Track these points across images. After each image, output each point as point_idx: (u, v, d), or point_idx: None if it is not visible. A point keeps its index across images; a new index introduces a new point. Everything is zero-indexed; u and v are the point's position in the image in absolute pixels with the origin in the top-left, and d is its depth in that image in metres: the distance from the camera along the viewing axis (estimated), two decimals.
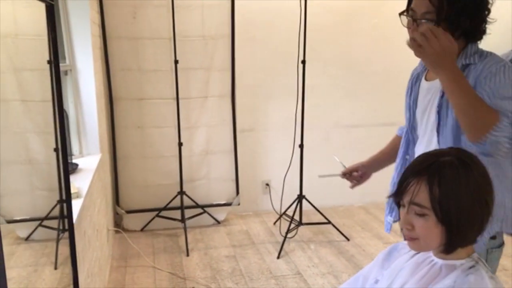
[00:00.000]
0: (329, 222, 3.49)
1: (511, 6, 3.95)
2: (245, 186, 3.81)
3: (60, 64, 2.54)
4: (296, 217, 3.40)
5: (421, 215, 0.95)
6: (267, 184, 3.89)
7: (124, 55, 3.37)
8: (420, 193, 0.94)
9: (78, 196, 1.90)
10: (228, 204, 3.74)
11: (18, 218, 2.03)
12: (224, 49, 3.51)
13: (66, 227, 1.64)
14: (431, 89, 1.39)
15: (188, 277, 2.90)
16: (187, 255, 3.18)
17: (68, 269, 1.67)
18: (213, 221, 3.70)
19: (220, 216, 3.76)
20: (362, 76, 3.83)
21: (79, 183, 2.09)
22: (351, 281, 1.23)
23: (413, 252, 1.09)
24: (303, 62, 3.25)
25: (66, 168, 1.47)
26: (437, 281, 0.99)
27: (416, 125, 1.50)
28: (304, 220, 3.43)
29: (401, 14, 1.34)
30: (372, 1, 3.69)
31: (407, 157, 1.54)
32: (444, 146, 1.31)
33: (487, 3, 1.29)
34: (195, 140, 3.58)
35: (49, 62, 1.55)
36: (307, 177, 3.39)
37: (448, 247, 0.96)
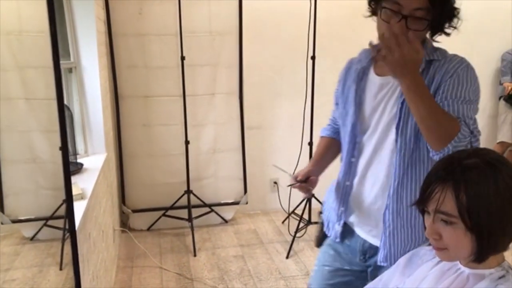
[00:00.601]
0: None
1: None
2: (253, 184, 3.75)
3: (65, 62, 2.51)
4: (305, 216, 3.34)
5: (449, 223, 0.88)
6: (275, 182, 3.83)
7: (130, 52, 3.32)
8: (446, 201, 0.87)
9: (82, 198, 1.85)
10: (236, 203, 3.69)
11: (23, 217, 2.00)
12: (232, 46, 3.45)
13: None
14: (385, 85, 1.30)
15: (196, 278, 2.85)
16: (194, 255, 3.13)
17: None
18: (220, 220, 3.65)
19: (228, 215, 3.70)
20: None
21: (84, 183, 2.04)
22: None
23: (437, 259, 1.02)
24: (313, 57, 3.19)
25: (67, 169, 1.41)
26: None
27: (361, 122, 1.36)
28: (313, 219, 3.37)
29: (384, 7, 1.20)
30: None
31: (353, 159, 1.39)
32: (403, 144, 1.27)
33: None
34: (202, 138, 3.52)
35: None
36: None
37: (479, 256, 0.90)
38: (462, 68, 1.22)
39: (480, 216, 0.86)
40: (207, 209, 3.53)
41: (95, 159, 2.55)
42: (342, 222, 1.45)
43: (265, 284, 2.78)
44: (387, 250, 1.33)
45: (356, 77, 1.38)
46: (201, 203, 3.48)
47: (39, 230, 1.99)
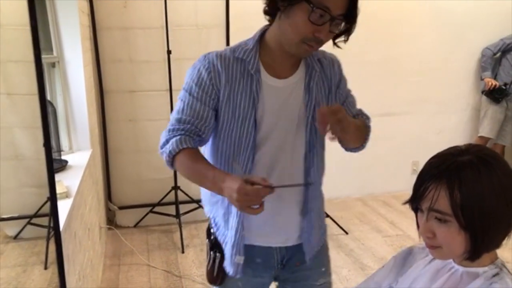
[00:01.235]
0: (327, 216, 3.42)
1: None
2: None
3: (48, 56, 2.45)
4: None
5: (443, 221, 0.87)
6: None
7: (115, 46, 3.25)
8: (440, 198, 0.86)
9: (67, 196, 1.80)
10: None
11: (6, 216, 1.96)
12: (219, 39, 3.40)
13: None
14: (287, 88, 1.25)
15: (184, 275, 2.82)
16: (183, 251, 3.10)
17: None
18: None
19: None
20: (358, 66, 3.73)
21: (69, 181, 1.99)
22: None
23: (430, 257, 1.01)
24: None
25: (51, 167, 1.37)
26: None
27: (259, 128, 1.24)
28: None
29: (318, 7, 1.09)
30: None
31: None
32: (313, 142, 1.29)
33: None
34: None
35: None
36: None
37: (473, 254, 0.89)
38: (340, 64, 1.37)
39: (474, 214, 0.85)
40: (195, 205, 3.49)
41: (80, 156, 2.50)
42: (242, 251, 1.33)
43: None
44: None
45: (245, 81, 1.22)
46: (188, 199, 3.44)
47: (23, 228, 1.95)
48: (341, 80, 1.36)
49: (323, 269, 1.44)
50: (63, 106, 2.55)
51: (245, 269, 1.32)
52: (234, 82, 1.22)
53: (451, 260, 0.96)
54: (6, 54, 1.85)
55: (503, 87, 3.93)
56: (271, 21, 1.25)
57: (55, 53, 2.49)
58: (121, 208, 3.46)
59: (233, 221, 1.29)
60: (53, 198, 1.36)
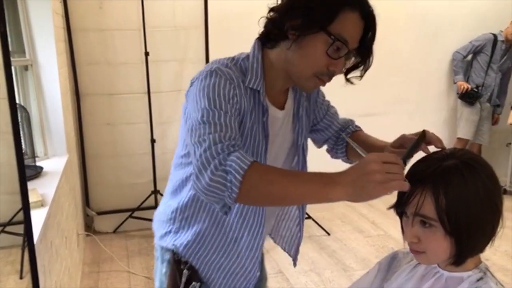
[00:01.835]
0: (309, 217, 3.41)
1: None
2: None
3: (19, 59, 2.37)
4: None
5: (428, 226, 0.86)
6: None
7: (91, 48, 3.18)
8: (426, 204, 0.85)
9: (43, 205, 1.74)
10: None
11: None
12: (198, 40, 3.37)
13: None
14: (284, 118, 1.19)
15: None
16: None
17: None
18: None
19: None
20: None
21: (44, 188, 1.92)
22: None
23: (415, 262, 1.01)
24: None
25: (23, 175, 1.31)
26: None
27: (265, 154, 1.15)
28: None
29: (338, 40, 1.00)
30: None
31: None
32: (302, 168, 1.27)
33: None
34: (168, 136, 3.43)
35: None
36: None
37: (458, 259, 0.88)
38: None
39: (460, 219, 0.84)
40: None
41: (56, 162, 2.43)
42: None
43: None
44: None
45: (259, 113, 1.11)
46: None
47: None
48: (318, 92, 1.32)
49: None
50: (37, 110, 2.47)
51: None
52: (247, 110, 1.07)
53: (436, 265, 0.95)
54: None
55: (475, 90, 4.01)
56: (268, 46, 1.11)
57: (27, 56, 2.41)
58: (99, 213, 3.39)
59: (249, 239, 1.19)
60: (26, 209, 1.31)
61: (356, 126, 1.38)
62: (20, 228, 1.68)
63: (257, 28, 1.17)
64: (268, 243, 3.29)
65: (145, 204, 3.34)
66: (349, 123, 1.38)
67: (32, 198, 1.67)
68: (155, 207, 3.23)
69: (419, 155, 0.97)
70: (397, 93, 4.10)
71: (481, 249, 0.91)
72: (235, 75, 1.06)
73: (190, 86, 1.09)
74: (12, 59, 1.65)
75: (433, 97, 4.26)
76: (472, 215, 0.85)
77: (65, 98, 2.70)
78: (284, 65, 1.08)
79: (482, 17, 4.09)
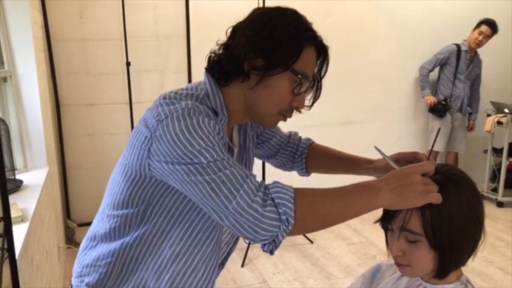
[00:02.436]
0: None
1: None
2: None
3: None
4: None
5: (413, 241, 0.88)
6: None
7: (71, 58, 3.15)
8: (412, 218, 0.87)
9: (23, 220, 1.70)
10: None
11: None
12: (179, 50, 3.37)
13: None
14: (237, 152, 1.14)
15: None
16: None
17: None
18: None
19: None
20: None
21: (25, 203, 1.89)
22: None
23: (398, 274, 1.02)
24: None
25: (5, 191, 1.29)
26: None
27: None
28: None
29: (304, 77, 1.00)
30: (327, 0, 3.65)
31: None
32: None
33: None
34: None
35: None
36: (268, 178, 3.31)
37: (442, 272, 0.90)
38: None
39: (444, 234, 0.87)
40: None
41: (36, 174, 2.38)
42: None
43: None
44: None
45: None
46: None
47: None
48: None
49: None
50: (17, 122, 2.43)
51: None
52: None
53: (419, 278, 0.97)
54: None
55: (443, 103, 4.05)
56: (222, 83, 1.02)
57: (6, 67, 2.37)
58: (80, 225, 3.33)
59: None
60: (7, 227, 1.28)
61: (308, 138, 1.33)
62: None
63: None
64: (252, 253, 3.30)
65: None
66: (295, 135, 1.33)
67: (12, 213, 1.63)
68: None
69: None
70: (377, 101, 4.15)
71: (464, 262, 0.94)
72: (208, 113, 0.96)
73: (157, 125, 0.92)
74: None
75: (413, 104, 4.33)
76: (456, 229, 0.87)
77: (45, 109, 2.66)
78: (244, 104, 1.02)
79: (452, 27, 4.17)
